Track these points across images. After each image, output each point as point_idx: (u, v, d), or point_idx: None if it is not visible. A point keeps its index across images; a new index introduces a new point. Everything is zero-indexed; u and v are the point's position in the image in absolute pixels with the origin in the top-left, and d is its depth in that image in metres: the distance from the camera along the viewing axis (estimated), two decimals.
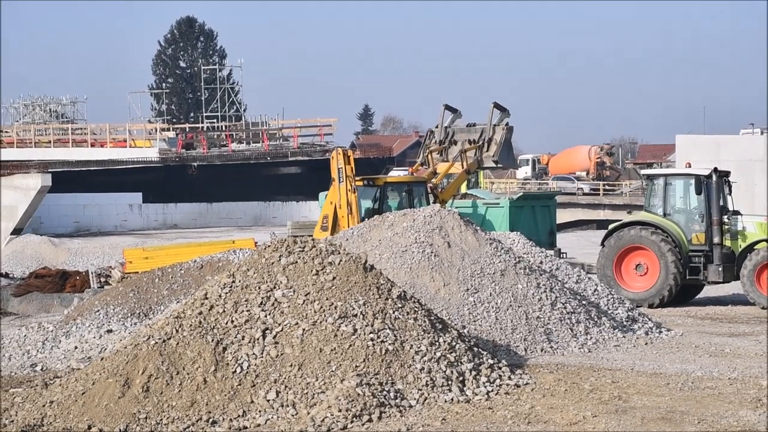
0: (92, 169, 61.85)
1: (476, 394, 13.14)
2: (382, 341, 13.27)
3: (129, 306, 19.91)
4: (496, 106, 30.02)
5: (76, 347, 18.17)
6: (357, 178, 29.30)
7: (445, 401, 12.82)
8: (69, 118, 77.90)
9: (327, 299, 13.76)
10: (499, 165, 30.93)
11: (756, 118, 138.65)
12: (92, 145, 62.00)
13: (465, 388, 13.21)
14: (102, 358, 13.73)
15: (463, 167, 29.94)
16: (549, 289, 17.45)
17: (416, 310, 14.14)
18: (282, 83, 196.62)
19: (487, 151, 29.76)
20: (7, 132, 66.37)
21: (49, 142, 62.67)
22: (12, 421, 12.71)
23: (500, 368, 13.96)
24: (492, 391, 13.32)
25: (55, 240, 51.23)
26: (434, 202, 28.55)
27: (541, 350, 16.15)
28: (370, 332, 13.33)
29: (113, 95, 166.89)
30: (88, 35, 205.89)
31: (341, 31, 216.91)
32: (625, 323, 18.30)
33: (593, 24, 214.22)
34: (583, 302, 18.02)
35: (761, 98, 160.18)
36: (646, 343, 17.32)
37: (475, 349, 14.20)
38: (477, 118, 31.07)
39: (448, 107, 30.67)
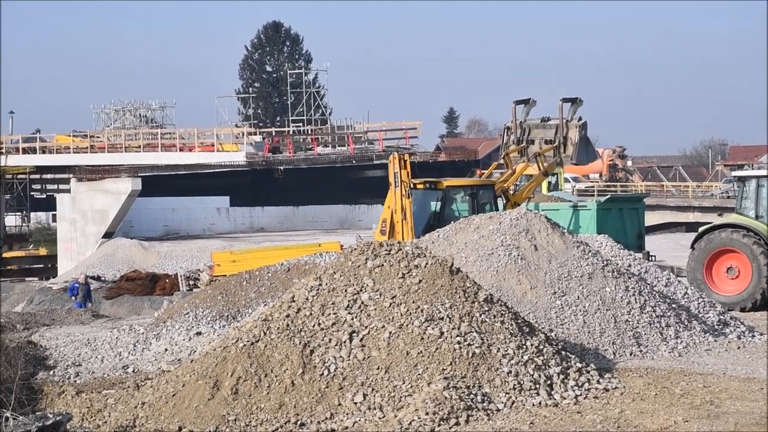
0: (181, 173, 62.68)
1: (564, 398, 13.02)
2: (469, 344, 13.21)
3: (217, 309, 20.09)
4: (565, 100, 29.44)
5: (166, 349, 18.39)
6: (418, 182, 29.08)
7: (533, 405, 12.72)
8: (158, 123, 79.08)
9: (413, 302, 13.75)
10: (578, 164, 30.45)
11: None
12: (181, 150, 62.82)
13: (553, 392, 13.09)
14: (192, 361, 13.90)
15: (540, 169, 29.53)
16: (638, 292, 17.21)
17: (503, 313, 14.05)
18: (367, 87, 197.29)
19: (565, 151, 29.27)
20: (98, 137, 67.60)
21: (139, 146, 63.65)
22: (105, 422, 12.94)
23: (588, 372, 13.81)
24: (580, 395, 13.18)
25: (145, 243, 52.01)
26: (505, 206, 28.17)
27: (630, 354, 15.94)
28: (457, 335, 13.28)
29: (201, 100, 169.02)
30: (176, 41, 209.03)
31: (426, 34, 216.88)
32: (716, 327, 17.97)
33: (678, 23, 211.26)
34: (673, 306, 17.74)
35: None
36: (738, 348, 16.99)
37: (563, 352, 14.06)
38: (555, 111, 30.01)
39: (518, 102, 30.22)
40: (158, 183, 59.54)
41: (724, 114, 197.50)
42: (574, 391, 13.22)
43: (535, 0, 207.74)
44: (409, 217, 28.76)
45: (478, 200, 28.62)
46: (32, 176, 66.69)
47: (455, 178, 32.72)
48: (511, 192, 29.68)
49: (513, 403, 12.68)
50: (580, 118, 28.96)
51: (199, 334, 19.02)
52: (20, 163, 64.91)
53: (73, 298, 35.18)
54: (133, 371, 17.12)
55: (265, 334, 13.43)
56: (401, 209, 28.48)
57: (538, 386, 13.05)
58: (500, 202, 28.96)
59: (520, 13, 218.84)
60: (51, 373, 16.99)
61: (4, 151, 64.89)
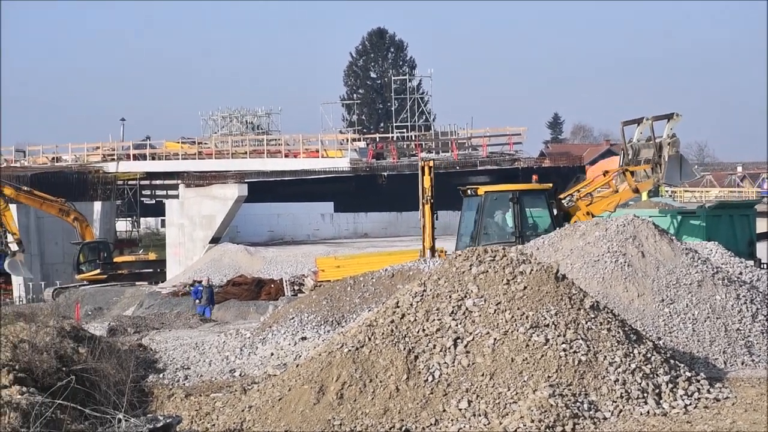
0: (286, 179, 63.27)
1: (673, 407, 12.79)
2: (575, 352, 13.07)
3: (322, 314, 20.23)
4: (658, 118, 28.41)
5: (272, 354, 18.59)
6: (464, 189, 28.62)
7: (641, 414, 12.52)
8: (264, 130, 79.98)
9: (518, 309, 13.66)
10: (669, 184, 29.40)
11: None
12: (286, 156, 63.41)
13: (661, 401, 12.88)
14: (297, 365, 14.02)
15: (630, 186, 28.58)
16: (749, 301, 16.84)
17: (609, 320, 13.87)
18: (471, 93, 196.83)
19: (659, 171, 28.36)
20: (206, 143, 68.63)
21: (246, 153, 64.40)
22: (213, 424, 13.12)
23: (698, 381, 13.54)
24: (690, 404, 12.94)
25: (250, 248, 52.63)
26: (565, 217, 27.41)
27: (742, 363, 15.59)
28: (563, 342, 13.15)
29: (306, 107, 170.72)
30: (281, 49, 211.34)
31: (530, 39, 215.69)
32: None
33: None
34: None
35: None
36: None
37: (672, 361, 13.82)
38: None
39: (627, 122, 29.50)
40: (264, 189, 60.19)
41: None
42: (683, 400, 12.99)
43: (639, 0, 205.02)
44: (428, 225, 28.96)
45: (522, 206, 27.66)
46: (142, 182, 68.00)
47: (529, 183, 31.62)
48: (578, 201, 28.63)
49: (620, 412, 12.51)
50: (673, 135, 27.80)
51: (304, 338, 19.19)
52: (131, 170, 66.23)
53: (197, 301, 35.70)
54: (240, 375, 17.34)
55: (369, 339, 13.47)
56: (421, 216, 28.67)
57: (646, 395, 12.85)
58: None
59: (625, 16, 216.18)
60: (161, 375, 17.32)
61: (115, 157, 66.29)
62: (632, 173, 28.09)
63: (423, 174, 29.36)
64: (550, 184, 28.92)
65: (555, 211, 27.88)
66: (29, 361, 14.34)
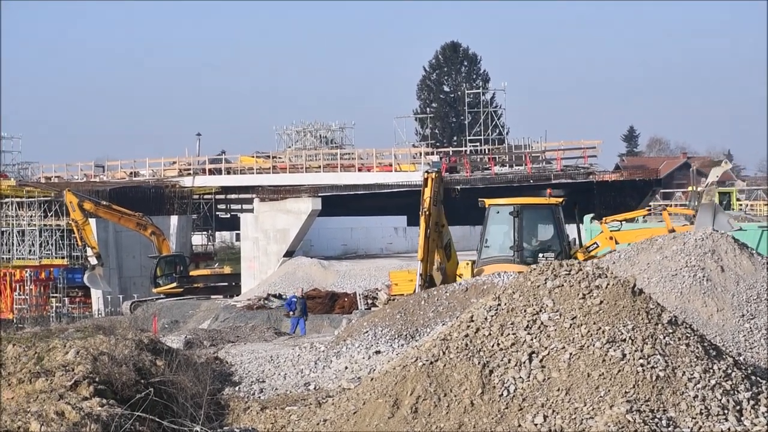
0: (359, 193, 63.45)
1: (755, 425, 12.54)
2: (653, 367, 12.90)
3: (396, 327, 20.24)
4: (710, 164, 27.80)
5: (346, 367, 18.64)
6: (481, 200, 28.32)
7: (721, 431, 12.31)
8: (338, 144, 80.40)
9: (594, 323, 13.53)
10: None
11: None
12: (359, 170, 63.67)
13: (743, 418, 12.64)
14: (372, 379, 14.02)
15: (668, 226, 27.75)
16: None
17: (688, 335, 13.67)
18: (545, 106, 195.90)
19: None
20: (280, 158, 69.16)
21: (319, 167, 64.78)
22: None
23: None
24: None
25: (324, 262, 52.84)
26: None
27: None
28: (640, 357, 12.98)
29: (379, 121, 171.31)
30: (355, 63, 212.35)
31: (603, 52, 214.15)
32: None
33: None
34: None
35: None
36: None
37: (753, 377, 13.57)
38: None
39: (714, 163, 28.93)
40: (337, 203, 60.41)
41: None
42: (765, 417, 12.73)
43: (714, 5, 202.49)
44: (421, 236, 28.41)
45: (521, 220, 27.18)
46: (217, 196, 68.71)
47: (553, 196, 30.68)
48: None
49: (700, 429, 12.30)
50: (712, 183, 27.09)
51: (378, 352, 19.21)
52: (206, 184, 66.98)
53: (291, 312, 35.88)
54: (315, 388, 17.41)
55: (444, 353, 13.44)
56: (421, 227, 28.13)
57: (726, 411, 12.63)
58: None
59: (697, 25, 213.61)
60: (237, 388, 17.45)
61: (192, 172, 67.09)
62: (670, 214, 27.45)
63: (425, 185, 28.74)
64: (560, 199, 28.23)
65: (562, 227, 27.22)
66: (109, 373, 14.55)
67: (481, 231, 28.29)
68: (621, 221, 27.86)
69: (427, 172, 29.76)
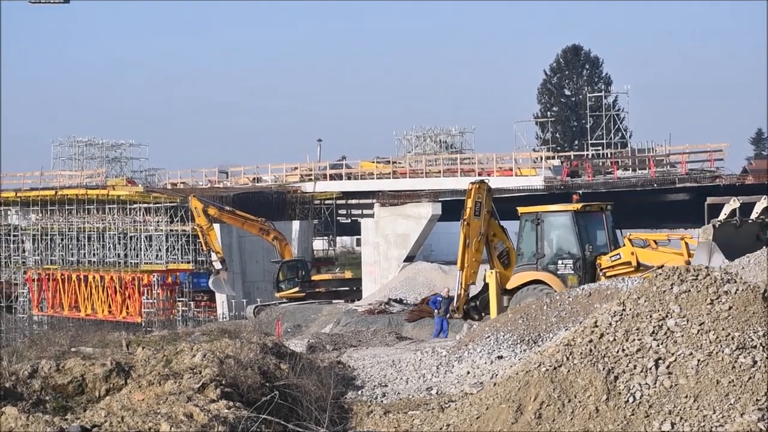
0: None
1: None
2: None
3: (518, 333, 20.12)
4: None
5: (468, 372, 18.59)
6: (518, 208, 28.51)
7: None
8: (457, 149, 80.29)
9: (723, 329, 13.26)
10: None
11: None
12: (479, 174, 63.34)
13: None
14: (494, 384, 13.98)
15: (684, 255, 26.78)
16: None
17: None
18: (669, 108, 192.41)
19: None
20: (400, 163, 69.40)
21: (439, 171, 64.77)
22: None
23: None
24: None
25: (444, 267, 52.79)
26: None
27: None
28: None
29: (500, 125, 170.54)
30: (475, 67, 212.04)
31: (729, 53, 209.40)
32: None
33: None
34: None
35: None
36: None
37: None
38: None
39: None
40: (458, 207, 60.13)
41: None
42: None
43: None
44: (460, 247, 29.12)
45: (542, 228, 27.31)
46: (338, 201, 69.28)
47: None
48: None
49: None
50: (716, 224, 25.91)
51: (500, 357, 19.11)
52: (327, 189, 67.60)
53: (436, 311, 36.00)
54: (437, 393, 17.41)
55: (567, 358, 13.33)
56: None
57: None
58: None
59: None
60: (359, 392, 17.56)
61: (313, 177, 67.83)
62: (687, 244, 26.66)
63: (468, 196, 29.29)
64: (578, 206, 28.05)
65: (582, 233, 27.11)
66: (235, 376, 14.80)
67: (517, 239, 28.50)
68: (644, 240, 27.36)
69: (471, 183, 30.52)
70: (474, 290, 30.49)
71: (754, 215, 26.76)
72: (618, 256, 26.53)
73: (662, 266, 25.06)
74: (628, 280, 22.40)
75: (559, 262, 27.17)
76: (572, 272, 26.68)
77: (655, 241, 26.98)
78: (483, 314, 29.04)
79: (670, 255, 26.01)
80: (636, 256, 26.29)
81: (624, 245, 27.04)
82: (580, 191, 61.81)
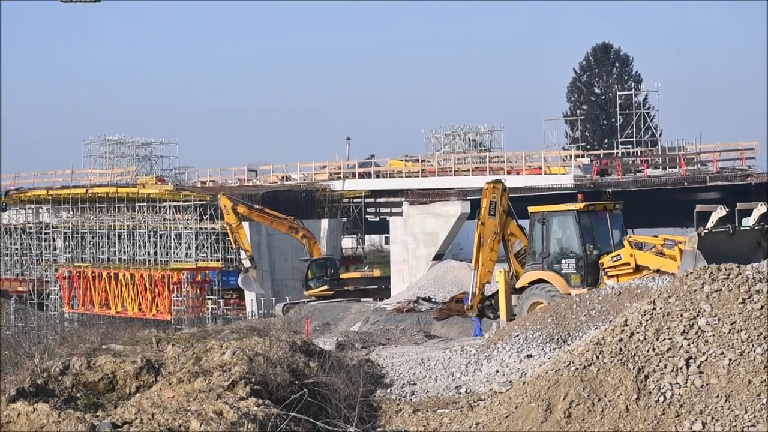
0: (509, 195, 62.93)
1: None
2: None
3: (547, 331, 20.06)
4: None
5: (497, 371, 18.55)
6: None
7: None
8: (486, 147, 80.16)
9: (755, 329, 13.18)
10: None
11: None
12: (508, 173, 63.18)
13: None
14: (524, 383, 13.95)
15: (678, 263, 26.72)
16: None
17: None
18: (700, 106, 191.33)
19: None
20: (429, 161, 69.33)
21: (468, 170, 64.64)
22: None
23: None
24: None
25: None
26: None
27: None
28: None
29: (528, 123, 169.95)
30: (503, 65, 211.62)
31: (759, 49, 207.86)
32: None
33: None
34: None
35: None
36: None
37: None
38: None
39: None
40: None
41: None
42: None
43: None
44: (474, 246, 29.47)
45: (549, 227, 27.31)
46: (367, 200, 69.31)
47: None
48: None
49: None
50: (701, 232, 25.51)
51: (529, 356, 19.06)
52: (356, 188, 67.63)
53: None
54: (466, 392, 17.38)
55: (597, 357, 13.28)
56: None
57: None
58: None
59: None
60: (388, 391, 17.56)
61: (342, 175, 67.88)
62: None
63: (483, 196, 29.47)
64: (580, 205, 27.94)
65: (584, 233, 26.97)
66: (264, 374, 14.84)
67: (528, 238, 28.57)
68: (642, 243, 27.20)
69: (487, 182, 30.58)
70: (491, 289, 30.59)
71: (751, 222, 26.52)
72: (618, 257, 26.57)
73: (657, 270, 25.21)
74: (658, 279, 22.32)
75: (563, 261, 27.24)
76: (575, 272, 26.71)
77: (661, 244, 26.81)
78: (497, 313, 29.18)
79: (666, 260, 25.95)
80: (635, 257, 26.30)
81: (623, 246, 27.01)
82: (610, 190, 61.60)
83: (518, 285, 28.11)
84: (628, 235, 27.46)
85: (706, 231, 24.66)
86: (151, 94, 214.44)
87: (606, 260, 26.67)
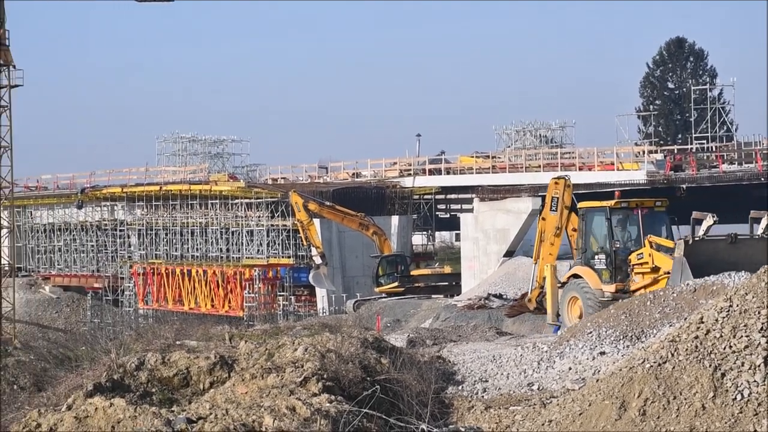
0: (580, 192, 62.39)
1: None
2: None
3: (621, 328, 19.86)
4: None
5: (570, 368, 18.41)
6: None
7: None
8: (557, 143, 79.63)
9: None
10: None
11: None
12: (580, 169, 62.70)
13: None
14: (597, 380, 13.84)
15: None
16: None
17: None
18: None
19: None
20: (499, 157, 69.06)
21: (539, 166, 64.22)
22: None
23: None
24: None
25: None
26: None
27: None
28: None
29: (600, 119, 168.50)
30: (575, 61, 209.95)
31: None
32: None
33: None
34: None
35: None
36: None
37: None
38: None
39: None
40: None
41: None
42: None
43: None
44: (536, 240, 30.81)
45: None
46: (437, 196, 69.23)
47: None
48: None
49: None
50: (687, 241, 24.74)
51: (602, 353, 18.88)
52: (426, 184, 67.59)
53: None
54: (538, 389, 17.27)
55: (672, 355, 13.12)
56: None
57: None
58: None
59: None
60: (460, 387, 17.51)
61: (412, 172, 67.88)
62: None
63: (548, 192, 29.84)
64: (612, 202, 27.86)
65: (613, 229, 26.99)
66: (336, 370, 14.89)
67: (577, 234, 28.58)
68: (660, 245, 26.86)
69: (552, 178, 31.19)
70: None
71: (760, 230, 26.03)
72: (642, 256, 26.54)
73: (668, 272, 24.95)
74: (734, 276, 21.97)
75: (596, 257, 27.48)
76: (605, 267, 26.76)
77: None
78: None
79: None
80: (652, 257, 26.22)
81: (644, 246, 26.93)
82: (684, 185, 60.75)
83: (563, 279, 28.41)
84: (667, 235, 27.36)
85: (696, 238, 24.53)
86: (227, 92, 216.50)
87: (633, 258, 26.76)
